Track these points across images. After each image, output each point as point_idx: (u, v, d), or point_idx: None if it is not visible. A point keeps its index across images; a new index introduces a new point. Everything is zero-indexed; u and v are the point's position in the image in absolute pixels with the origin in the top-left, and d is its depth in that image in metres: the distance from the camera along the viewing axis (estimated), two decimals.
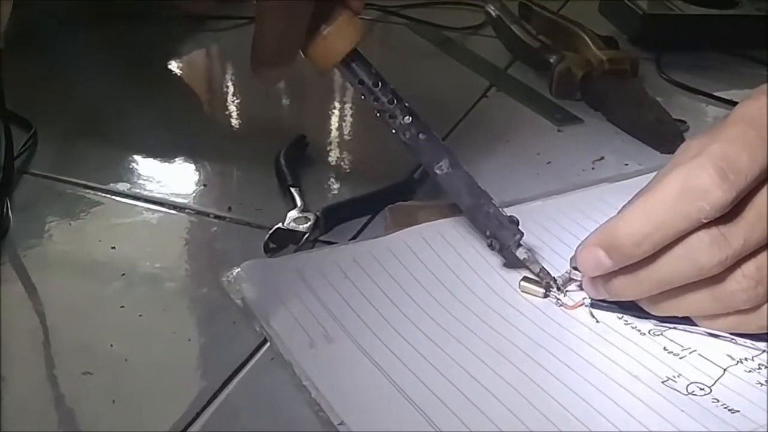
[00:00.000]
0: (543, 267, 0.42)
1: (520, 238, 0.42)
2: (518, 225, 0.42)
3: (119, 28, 0.78)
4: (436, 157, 0.44)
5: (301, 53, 0.43)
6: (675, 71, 0.73)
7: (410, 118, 0.44)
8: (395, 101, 0.44)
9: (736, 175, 0.35)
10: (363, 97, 0.44)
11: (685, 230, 0.36)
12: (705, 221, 0.35)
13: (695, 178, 0.35)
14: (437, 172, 0.44)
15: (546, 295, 0.41)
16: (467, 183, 0.44)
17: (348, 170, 0.57)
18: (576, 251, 0.39)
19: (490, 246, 0.42)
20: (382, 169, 0.58)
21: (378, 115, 0.44)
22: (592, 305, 0.40)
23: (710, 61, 0.75)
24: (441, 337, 0.38)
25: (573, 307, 0.40)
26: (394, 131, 0.44)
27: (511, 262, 0.43)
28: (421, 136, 0.44)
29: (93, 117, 0.63)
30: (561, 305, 0.41)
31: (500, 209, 0.43)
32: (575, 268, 0.41)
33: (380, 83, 0.44)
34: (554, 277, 0.41)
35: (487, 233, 0.43)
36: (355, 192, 0.53)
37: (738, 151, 0.35)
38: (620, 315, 0.40)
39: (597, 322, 0.39)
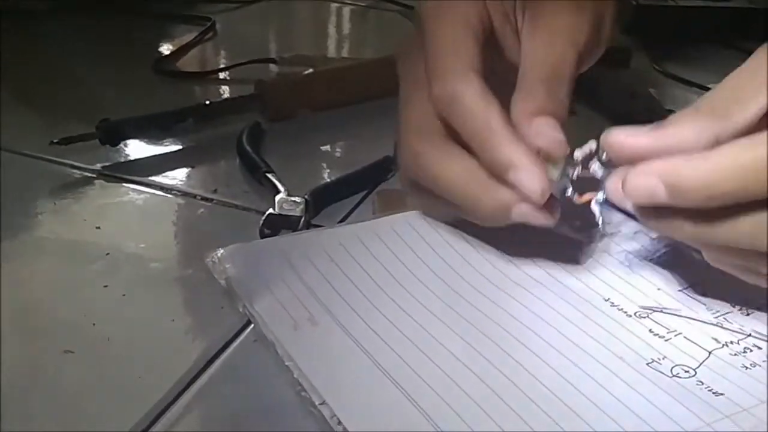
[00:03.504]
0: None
1: None
2: None
3: (108, 17, 0.77)
4: None
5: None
6: (667, 63, 0.72)
7: None
8: None
9: None
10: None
11: None
12: None
13: None
14: None
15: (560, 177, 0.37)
16: None
17: (315, 153, 0.57)
18: (630, 172, 0.33)
19: None
20: (351, 149, 0.58)
21: None
22: (605, 202, 0.37)
23: (703, 53, 0.75)
24: (425, 319, 0.38)
25: (583, 200, 0.37)
26: None
27: None
28: None
29: (80, 100, 0.62)
30: (570, 195, 0.38)
31: None
32: (601, 161, 0.37)
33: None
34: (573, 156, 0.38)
35: None
36: (330, 173, 0.53)
37: None
38: (608, 292, 0.40)
39: (601, 223, 0.38)
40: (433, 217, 0.45)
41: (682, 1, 0.79)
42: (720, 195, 0.31)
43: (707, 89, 0.66)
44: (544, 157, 0.37)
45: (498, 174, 0.37)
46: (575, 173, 0.37)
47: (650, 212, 0.34)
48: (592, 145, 0.37)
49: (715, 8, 0.78)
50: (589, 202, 0.37)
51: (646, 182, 0.33)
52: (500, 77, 0.40)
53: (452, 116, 0.38)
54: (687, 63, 0.72)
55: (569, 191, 0.38)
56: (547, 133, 0.37)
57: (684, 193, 0.32)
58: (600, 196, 0.37)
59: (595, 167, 0.37)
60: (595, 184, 0.37)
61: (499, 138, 0.37)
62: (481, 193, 0.38)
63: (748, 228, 0.32)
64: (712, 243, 0.34)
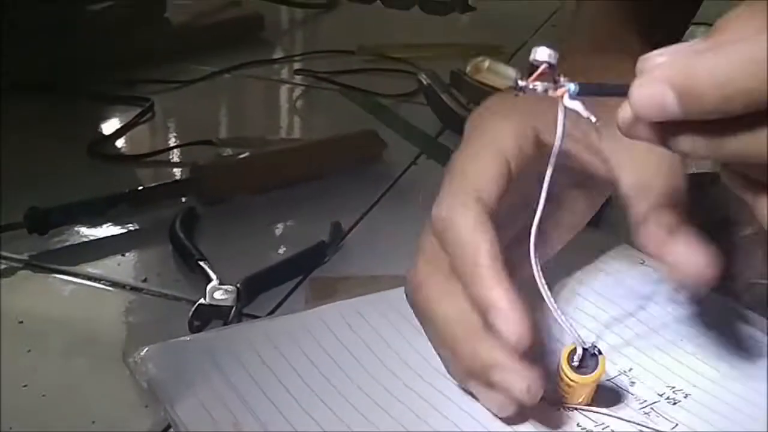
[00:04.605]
0: None
1: None
2: None
3: (43, 97, 0.76)
4: None
5: None
6: None
7: None
8: None
9: None
10: None
11: None
12: None
13: None
14: None
15: (516, 84, 0.31)
16: None
17: (250, 238, 0.57)
18: (634, 83, 0.28)
19: None
20: (286, 232, 0.58)
21: None
22: (580, 93, 0.31)
23: None
24: (353, 419, 0.37)
25: (557, 95, 0.31)
26: None
27: None
28: None
29: (9, 185, 0.61)
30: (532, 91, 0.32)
31: None
32: (534, 64, 0.31)
33: None
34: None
35: None
36: (265, 259, 0.52)
37: None
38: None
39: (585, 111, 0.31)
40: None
41: None
42: (739, 93, 0.26)
43: None
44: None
45: (481, 313, 0.35)
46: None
47: (660, 131, 0.29)
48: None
49: None
50: (563, 97, 0.32)
51: (653, 91, 0.28)
52: (585, 191, 0.40)
53: (444, 243, 0.37)
54: None
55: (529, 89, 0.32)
56: (696, 250, 0.35)
57: (697, 97, 0.27)
58: (571, 87, 0.31)
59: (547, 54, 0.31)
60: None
61: (482, 274, 0.35)
62: (465, 342, 0.36)
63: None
64: (728, 159, 0.29)
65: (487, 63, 0.32)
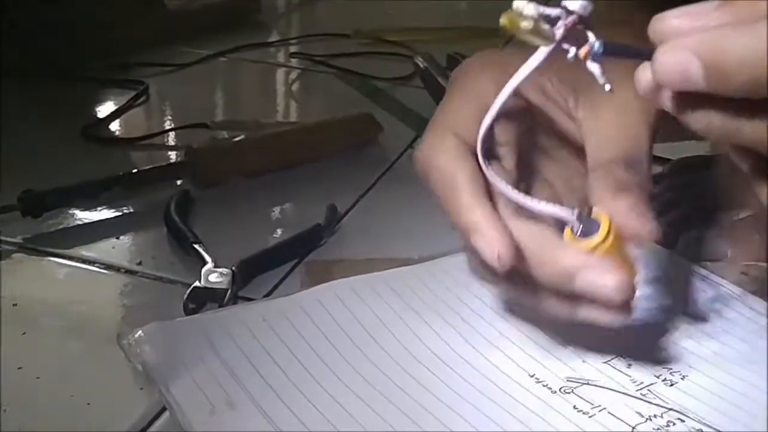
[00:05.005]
0: None
1: None
2: None
3: (37, 81, 0.76)
4: None
5: None
6: None
7: None
8: None
9: None
10: None
11: None
12: None
13: None
14: None
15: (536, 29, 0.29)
16: None
17: (245, 221, 0.57)
18: (659, 48, 0.27)
19: None
20: (282, 216, 0.57)
21: None
22: (604, 52, 0.30)
23: None
24: (347, 400, 0.37)
25: (581, 53, 0.30)
26: None
27: None
28: None
29: (4, 168, 0.61)
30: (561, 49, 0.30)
31: None
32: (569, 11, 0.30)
33: None
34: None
35: None
36: (261, 241, 0.52)
37: None
38: (533, 366, 0.39)
39: (602, 76, 0.30)
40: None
41: None
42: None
43: None
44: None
45: (465, 237, 0.36)
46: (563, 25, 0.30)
47: (679, 101, 0.28)
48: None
49: None
50: (587, 56, 0.30)
51: (678, 58, 0.27)
52: (548, 153, 0.40)
53: (427, 182, 0.37)
54: None
55: (567, 49, 0.30)
56: (636, 210, 0.35)
57: (725, 73, 0.26)
58: (596, 45, 0.30)
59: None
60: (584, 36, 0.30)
61: (461, 199, 0.35)
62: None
63: None
64: (744, 142, 0.28)
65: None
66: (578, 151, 0.41)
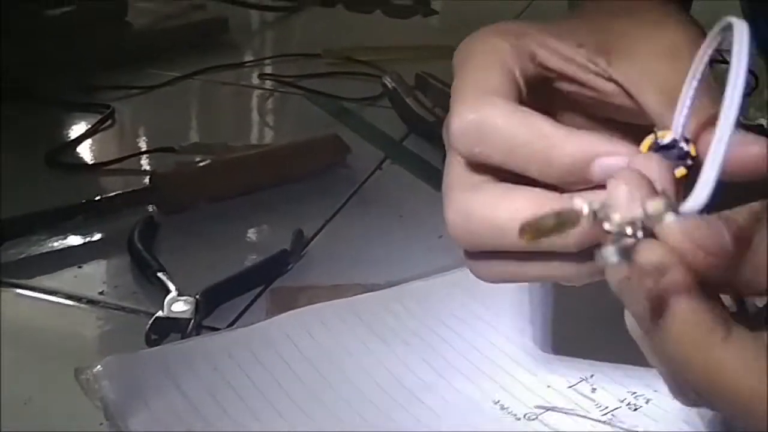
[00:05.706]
0: None
1: None
2: None
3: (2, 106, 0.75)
4: None
5: None
6: None
7: None
8: None
9: None
10: None
11: None
12: None
13: None
14: None
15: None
16: None
17: (210, 247, 0.56)
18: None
19: None
20: (247, 241, 0.57)
21: None
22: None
23: None
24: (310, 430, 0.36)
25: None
26: None
27: None
28: None
29: None
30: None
31: None
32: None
33: None
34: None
35: None
36: (226, 268, 0.51)
37: None
38: (498, 393, 0.39)
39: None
40: None
41: None
42: None
43: None
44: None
45: (575, 182, 0.30)
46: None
47: None
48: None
49: None
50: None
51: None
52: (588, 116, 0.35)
53: (485, 145, 0.31)
54: None
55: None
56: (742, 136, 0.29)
57: None
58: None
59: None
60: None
61: (560, 138, 0.29)
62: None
63: None
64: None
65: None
66: (615, 110, 0.36)
